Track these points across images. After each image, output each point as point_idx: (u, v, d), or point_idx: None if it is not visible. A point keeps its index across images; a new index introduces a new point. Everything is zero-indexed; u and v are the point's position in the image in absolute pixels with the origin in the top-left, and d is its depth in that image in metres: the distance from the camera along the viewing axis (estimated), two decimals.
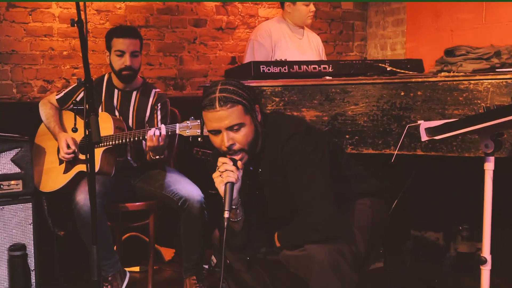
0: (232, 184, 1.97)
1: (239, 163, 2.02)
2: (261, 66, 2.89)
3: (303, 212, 2.02)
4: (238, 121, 2.01)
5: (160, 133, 2.79)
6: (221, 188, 1.98)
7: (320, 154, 2.05)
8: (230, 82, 2.06)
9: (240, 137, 2.02)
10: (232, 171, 1.97)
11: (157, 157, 2.90)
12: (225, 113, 1.99)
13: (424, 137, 2.04)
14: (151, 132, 2.80)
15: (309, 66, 3.00)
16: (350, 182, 2.20)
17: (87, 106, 1.86)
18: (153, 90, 3.18)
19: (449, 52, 2.82)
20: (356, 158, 2.72)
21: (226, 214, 1.93)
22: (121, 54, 3.00)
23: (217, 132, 2.03)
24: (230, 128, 2.01)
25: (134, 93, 3.16)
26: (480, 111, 1.94)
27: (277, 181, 2.11)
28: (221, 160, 2.02)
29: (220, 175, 1.98)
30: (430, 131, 2.02)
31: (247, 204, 2.13)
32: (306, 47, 3.79)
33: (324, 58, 3.94)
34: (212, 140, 2.07)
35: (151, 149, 2.86)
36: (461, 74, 2.53)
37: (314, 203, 2.00)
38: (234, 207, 2.02)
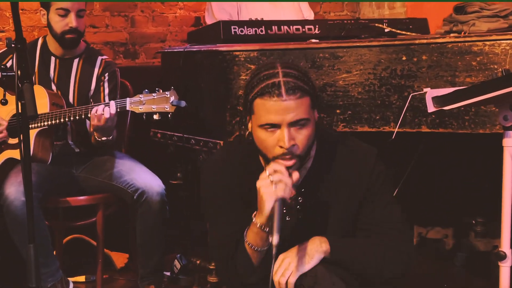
0: (284, 201, 1.85)
1: (295, 175, 1.89)
2: (232, 27, 2.90)
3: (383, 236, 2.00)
4: (306, 116, 1.88)
5: (109, 110, 2.78)
6: (269, 203, 1.84)
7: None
8: (290, 64, 1.98)
9: (303, 137, 1.89)
10: (287, 184, 1.84)
11: (104, 138, 2.89)
12: (293, 104, 1.85)
13: (431, 108, 2.07)
14: (97, 109, 2.78)
15: (291, 27, 3.01)
16: None
17: (19, 72, 1.84)
18: (99, 58, 3.17)
19: (459, 9, 2.86)
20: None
21: (276, 240, 1.77)
22: (65, 13, 2.97)
23: (274, 127, 1.88)
24: (294, 124, 1.88)
25: (76, 61, 3.14)
26: (498, 75, 1.98)
27: (331, 205, 2.03)
28: (274, 167, 1.86)
29: (275, 185, 1.84)
30: (438, 100, 2.06)
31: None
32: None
33: (307, 11, 3.89)
34: (260, 138, 1.92)
35: (96, 129, 2.85)
36: (474, 34, 2.57)
37: (401, 231, 2.01)
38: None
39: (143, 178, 2.96)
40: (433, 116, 2.49)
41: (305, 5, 3.88)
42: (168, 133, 3.04)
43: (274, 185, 1.84)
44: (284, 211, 1.90)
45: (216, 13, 3.59)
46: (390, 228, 1.99)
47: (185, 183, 3.22)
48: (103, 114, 2.77)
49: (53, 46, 3.11)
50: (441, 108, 2.03)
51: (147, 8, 4.26)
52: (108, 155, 3.13)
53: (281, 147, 1.88)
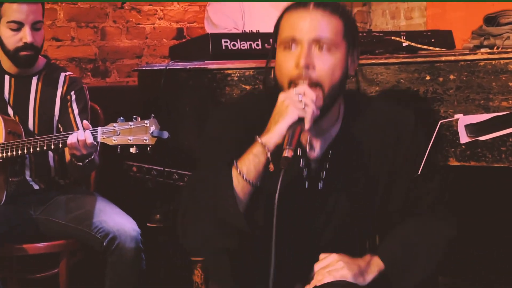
0: (302, 123, 1.86)
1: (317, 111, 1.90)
2: (223, 41, 2.88)
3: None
4: (332, 37, 1.93)
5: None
6: (292, 115, 1.85)
7: None
8: None
9: (325, 64, 1.92)
10: (313, 111, 1.86)
11: (87, 160, 2.88)
12: (320, 17, 1.92)
13: (465, 138, 2.05)
14: (72, 138, 2.74)
15: None
16: None
17: None
18: (62, 74, 3.22)
19: (491, 20, 2.86)
20: None
21: (287, 153, 1.78)
22: (18, 27, 3.01)
23: (293, 42, 1.94)
24: (316, 41, 1.92)
25: (34, 80, 3.18)
26: None
27: (360, 176, 2.08)
28: (304, 88, 1.88)
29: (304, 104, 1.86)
30: (473, 129, 2.04)
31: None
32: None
33: None
34: (279, 62, 1.98)
35: (76, 158, 2.85)
36: (511, 49, 2.57)
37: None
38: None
39: (115, 221, 2.96)
40: (463, 147, 2.47)
41: None
42: (146, 166, 3.02)
43: (303, 104, 1.85)
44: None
45: (216, 20, 3.59)
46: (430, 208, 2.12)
47: (165, 226, 3.19)
48: (81, 142, 2.72)
49: (6, 63, 3.14)
50: (476, 139, 2.01)
51: (120, 18, 4.27)
52: (72, 193, 3.14)
53: (297, 67, 1.90)
